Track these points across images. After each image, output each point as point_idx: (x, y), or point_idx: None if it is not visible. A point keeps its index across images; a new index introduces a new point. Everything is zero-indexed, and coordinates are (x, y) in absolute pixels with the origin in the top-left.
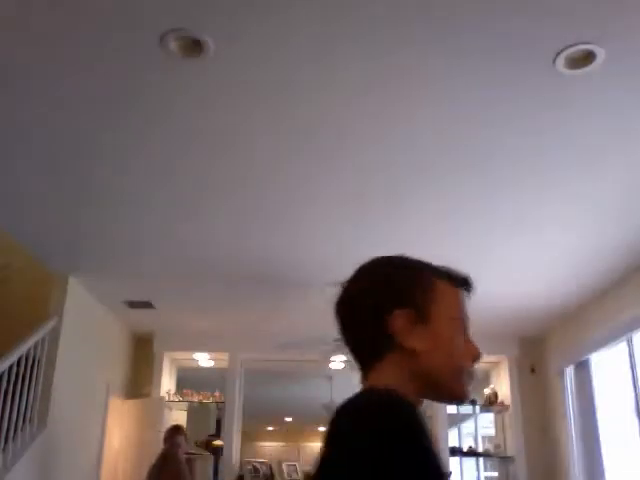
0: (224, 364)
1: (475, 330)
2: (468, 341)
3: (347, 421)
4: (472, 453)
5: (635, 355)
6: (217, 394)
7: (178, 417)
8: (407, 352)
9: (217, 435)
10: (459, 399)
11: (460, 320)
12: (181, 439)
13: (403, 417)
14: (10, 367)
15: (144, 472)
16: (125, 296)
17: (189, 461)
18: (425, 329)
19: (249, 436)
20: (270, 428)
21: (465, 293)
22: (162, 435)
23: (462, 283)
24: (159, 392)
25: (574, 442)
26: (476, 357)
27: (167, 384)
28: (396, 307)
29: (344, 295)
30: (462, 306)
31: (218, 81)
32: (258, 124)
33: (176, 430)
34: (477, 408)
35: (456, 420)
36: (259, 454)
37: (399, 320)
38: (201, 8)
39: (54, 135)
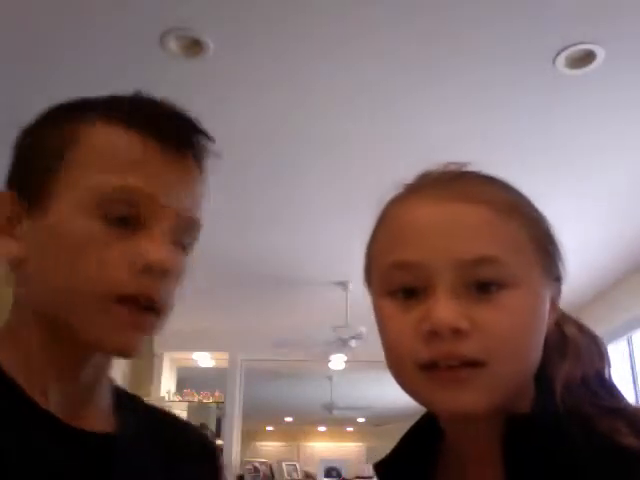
0: (224, 364)
1: None
2: (130, 238)
3: None
4: None
5: (635, 355)
6: (217, 394)
7: None
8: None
9: (217, 435)
10: (103, 349)
11: (111, 199)
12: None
13: None
14: None
15: None
16: None
17: None
18: (35, 224)
19: (249, 436)
20: (270, 428)
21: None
22: None
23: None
24: (159, 392)
25: None
26: (143, 265)
27: (167, 384)
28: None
29: None
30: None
31: (218, 81)
32: (257, 123)
33: (203, 428)
34: None
35: None
36: (259, 454)
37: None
38: (201, 8)
39: None
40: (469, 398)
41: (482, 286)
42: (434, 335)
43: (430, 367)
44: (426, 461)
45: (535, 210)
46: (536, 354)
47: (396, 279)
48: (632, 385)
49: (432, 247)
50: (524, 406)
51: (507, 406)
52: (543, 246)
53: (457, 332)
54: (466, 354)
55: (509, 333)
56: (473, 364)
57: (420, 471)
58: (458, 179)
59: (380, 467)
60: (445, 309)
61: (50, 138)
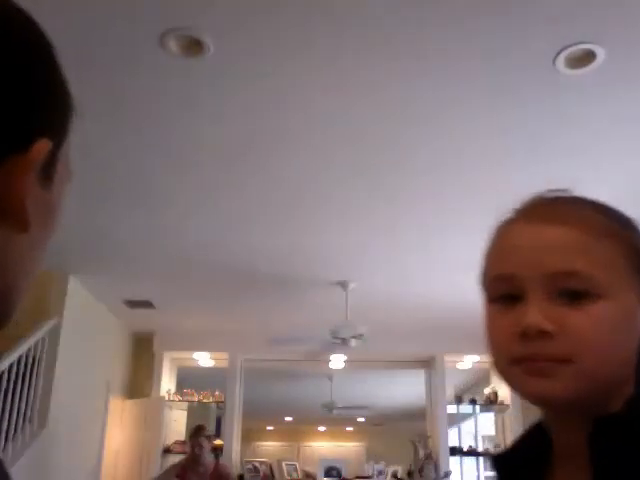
0: (224, 364)
1: (476, 330)
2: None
3: None
4: (472, 453)
5: None
6: (217, 394)
7: (178, 417)
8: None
9: (217, 435)
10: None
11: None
12: (203, 441)
13: None
14: (10, 367)
15: (144, 472)
16: (125, 296)
17: (216, 466)
18: (46, 194)
19: (249, 436)
20: (270, 428)
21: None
22: (162, 435)
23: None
24: (159, 392)
25: None
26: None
27: (167, 384)
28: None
29: None
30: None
31: (218, 81)
32: (256, 123)
33: (199, 430)
34: (477, 408)
35: (456, 420)
36: (259, 454)
37: (39, 156)
38: (201, 8)
39: None
40: (553, 387)
41: (570, 295)
42: (524, 336)
43: (521, 362)
44: (537, 460)
45: (631, 230)
46: (623, 359)
47: (497, 289)
48: None
49: (525, 261)
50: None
51: (600, 409)
52: (638, 263)
53: (544, 334)
54: (552, 353)
55: (593, 338)
56: (560, 360)
57: (530, 469)
58: (553, 203)
59: (497, 459)
60: (533, 314)
61: None
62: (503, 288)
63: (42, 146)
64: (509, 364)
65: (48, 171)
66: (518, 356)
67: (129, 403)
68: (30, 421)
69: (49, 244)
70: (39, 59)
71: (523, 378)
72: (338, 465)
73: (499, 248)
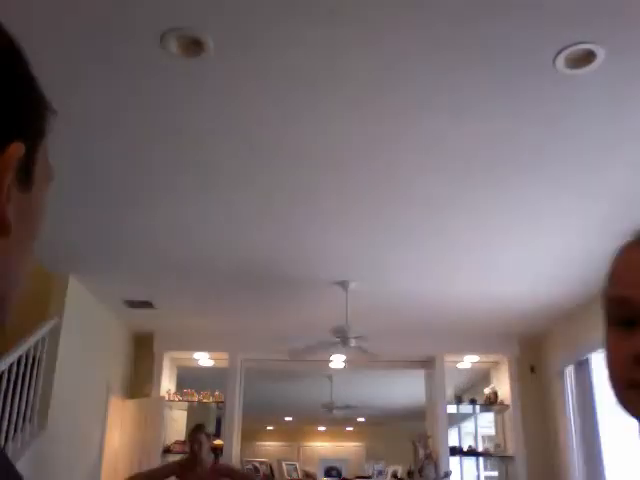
0: (224, 364)
1: (475, 330)
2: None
3: None
4: (472, 452)
5: None
6: (217, 394)
7: (178, 417)
8: None
9: (217, 435)
10: None
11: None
12: (202, 438)
13: None
14: (10, 367)
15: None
16: (125, 296)
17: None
18: (26, 196)
19: (249, 436)
20: (270, 428)
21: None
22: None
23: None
24: (159, 392)
25: (574, 442)
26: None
27: (167, 384)
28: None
29: None
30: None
31: (218, 81)
32: (258, 123)
33: (198, 428)
34: (477, 408)
35: (456, 420)
36: (259, 454)
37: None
38: (201, 8)
39: (54, 135)
40: None
41: None
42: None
43: (637, 387)
44: None
45: None
46: None
47: (614, 311)
48: None
49: (637, 285)
50: None
51: None
52: None
53: None
54: None
55: None
56: None
57: None
58: None
59: None
60: None
61: None
62: (619, 312)
63: (15, 149)
64: (626, 388)
65: (27, 173)
66: (633, 381)
67: (129, 403)
68: (30, 421)
69: (36, 247)
70: (6, 64)
71: (636, 403)
72: (338, 465)
73: (617, 272)
